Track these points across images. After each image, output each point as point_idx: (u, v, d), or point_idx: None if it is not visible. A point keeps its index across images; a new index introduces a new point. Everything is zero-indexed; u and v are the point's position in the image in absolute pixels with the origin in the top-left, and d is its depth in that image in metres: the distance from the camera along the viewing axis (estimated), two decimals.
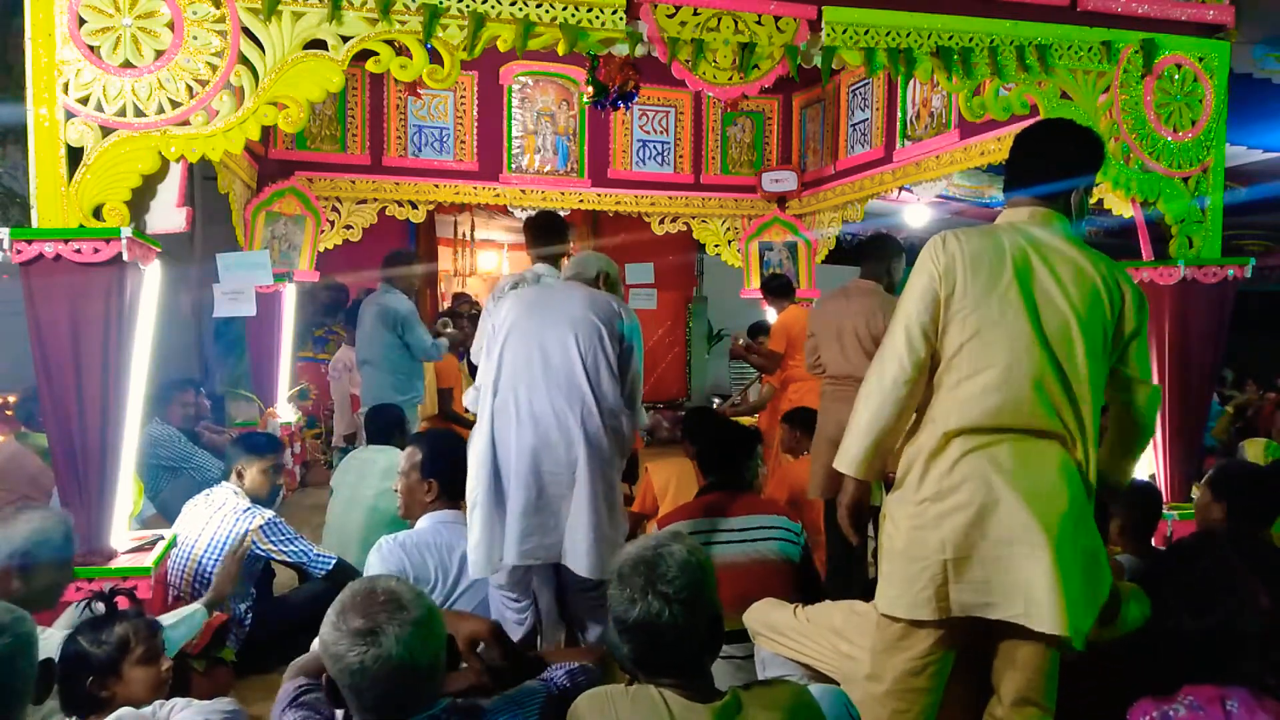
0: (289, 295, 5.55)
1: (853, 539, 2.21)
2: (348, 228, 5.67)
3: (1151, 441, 3.65)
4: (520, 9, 2.89)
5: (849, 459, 2.08)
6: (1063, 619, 1.87)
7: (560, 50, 2.98)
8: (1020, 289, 1.94)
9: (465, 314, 7.09)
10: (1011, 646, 1.98)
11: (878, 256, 3.94)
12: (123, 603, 2.23)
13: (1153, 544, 3.18)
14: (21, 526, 2.27)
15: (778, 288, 5.73)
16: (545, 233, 4.00)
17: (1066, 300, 1.95)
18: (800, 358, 5.40)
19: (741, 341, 6.04)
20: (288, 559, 3.26)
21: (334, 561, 3.31)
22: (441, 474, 2.67)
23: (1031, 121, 2.27)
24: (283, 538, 3.24)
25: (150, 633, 2.12)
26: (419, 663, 1.39)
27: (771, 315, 6.01)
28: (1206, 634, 1.89)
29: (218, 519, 3.22)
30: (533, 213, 4.35)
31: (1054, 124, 2.25)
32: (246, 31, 2.73)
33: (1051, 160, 2.09)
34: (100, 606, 2.15)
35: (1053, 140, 2.13)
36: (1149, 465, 3.68)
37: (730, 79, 3.22)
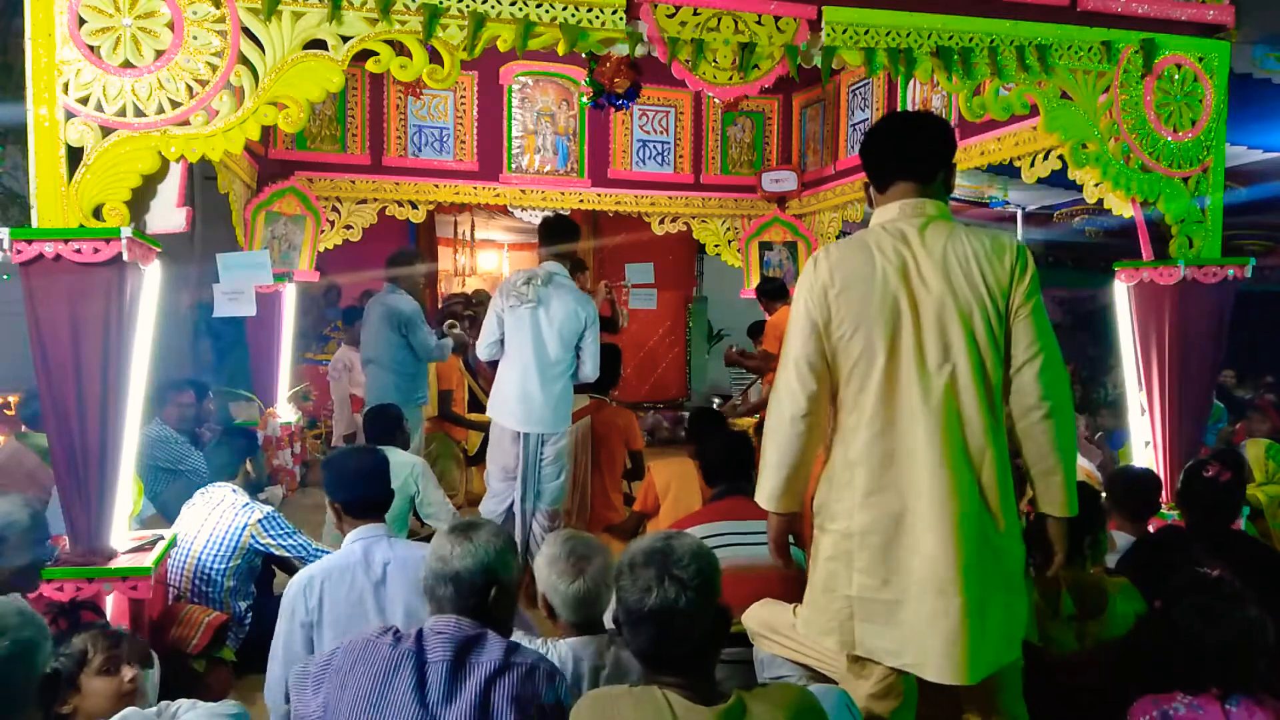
0: (289, 295, 5.55)
1: (785, 566, 2.20)
2: (348, 228, 5.67)
3: (1152, 442, 3.67)
4: (520, 9, 2.89)
5: (764, 494, 2.06)
6: (960, 669, 1.82)
7: (560, 50, 2.98)
8: (901, 298, 1.89)
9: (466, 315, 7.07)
10: None
11: None
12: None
13: (1149, 529, 3.25)
14: None
15: (772, 291, 5.71)
16: (556, 234, 4.12)
17: (944, 290, 1.89)
18: None
19: (734, 349, 6.03)
20: (287, 552, 3.26)
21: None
22: (339, 495, 2.51)
23: (876, 121, 2.18)
24: (282, 531, 3.25)
25: (110, 642, 2.03)
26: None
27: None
28: (1219, 648, 1.91)
29: (215, 515, 3.23)
30: (550, 214, 4.53)
31: (898, 119, 2.18)
32: (246, 31, 2.72)
33: (911, 150, 2.01)
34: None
35: (905, 133, 2.06)
36: (1148, 465, 3.68)
37: (730, 79, 3.21)
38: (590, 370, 3.99)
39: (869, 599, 1.90)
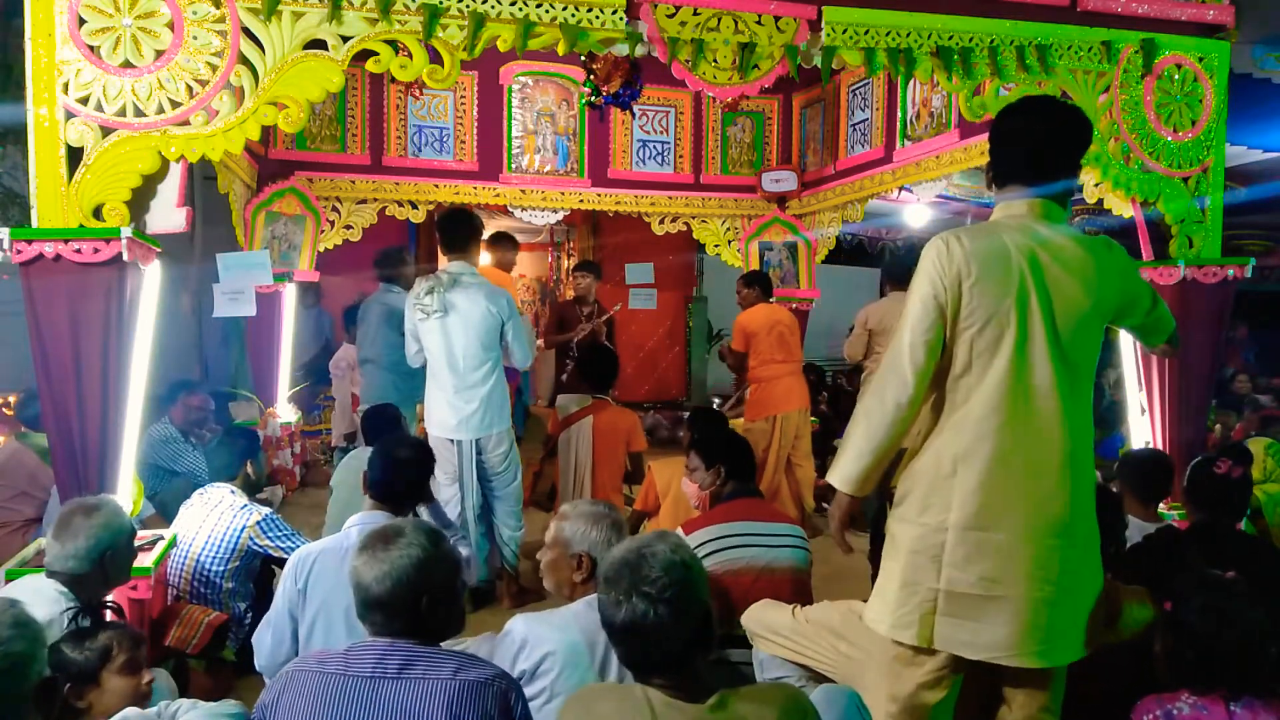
0: (289, 295, 5.55)
1: (845, 550, 2.19)
2: (348, 228, 5.67)
3: (1152, 442, 3.68)
4: (520, 9, 2.89)
5: (845, 476, 2.01)
6: (1045, 655, 1.87)
7: (560, 50, 2.98)
8: (1032, 295, 1.89)
9: None
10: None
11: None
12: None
13: (1159, 510, 3.26)
14: (97, 519, 2.35)
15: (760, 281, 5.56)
16: (454, 230, 3.90)
17: (1080, 296, 1.92)
18: (759, 358, 5.29)
19: (725, 344, 5.96)
20: (286, 554, 3.25)
21: None
22: (373, 473, 2.67)
23: (1013, 102, 2.12)
24: (280, 533, 3.25)
25: (133, 643, 2.07)
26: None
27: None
28: (1231, 648, 1.91)
29: (214, 517, 3.22)
30: (446, 208, 4.22)
31: (1041, 105, 2.07)
32: (246, 31, 2.73)
33: (1050, 148, 1.99)
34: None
35: (1047, 125, 1.99)
36: None
37: (730, 79, 3.21)
38: (521, 358, 3.92)
39: (960, 593, 1.88)
